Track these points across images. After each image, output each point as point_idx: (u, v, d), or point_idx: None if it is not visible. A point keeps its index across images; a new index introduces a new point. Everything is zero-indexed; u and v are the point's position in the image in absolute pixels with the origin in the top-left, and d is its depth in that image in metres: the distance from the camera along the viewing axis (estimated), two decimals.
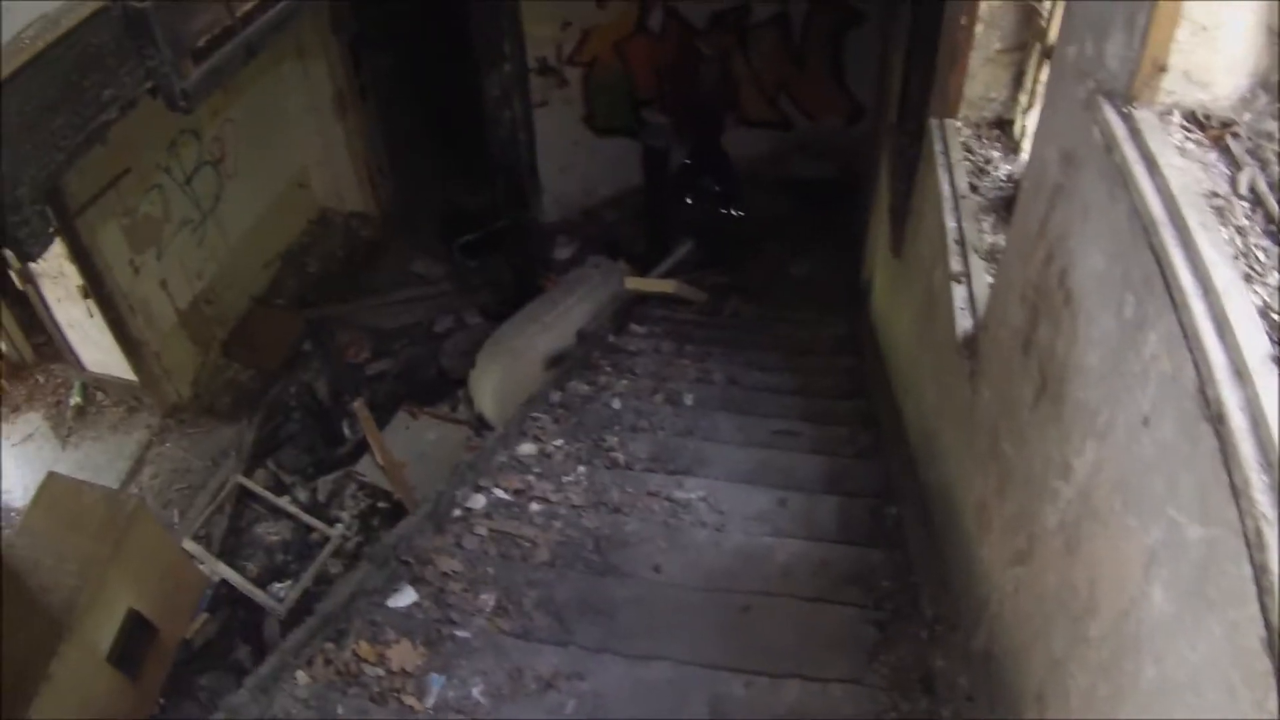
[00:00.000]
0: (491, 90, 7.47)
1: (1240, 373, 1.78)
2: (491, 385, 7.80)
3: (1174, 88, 2.45)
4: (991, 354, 3.66)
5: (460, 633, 3.99)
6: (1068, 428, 2.71)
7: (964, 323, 4.06)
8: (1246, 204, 2.23)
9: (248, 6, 3.68)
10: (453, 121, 10.62)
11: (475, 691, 3.75)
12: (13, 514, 7.80)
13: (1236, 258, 2.04)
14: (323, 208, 10.77)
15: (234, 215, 9.25)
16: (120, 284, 7.82)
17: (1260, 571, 1.59)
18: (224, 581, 7.10)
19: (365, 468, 7.77)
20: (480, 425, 7.91)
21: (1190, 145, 2.40)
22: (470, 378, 8.11)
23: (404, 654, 3.88)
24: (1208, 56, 2.40)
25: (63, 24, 2.64)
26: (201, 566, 7.07)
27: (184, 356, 8.72)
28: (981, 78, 4.94)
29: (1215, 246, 2.02)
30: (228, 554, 7.35)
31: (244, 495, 7.81)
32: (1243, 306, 1.88)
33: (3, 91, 2.46)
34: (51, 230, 2.78)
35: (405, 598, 4.24)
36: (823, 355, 7.84)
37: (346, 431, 8.27)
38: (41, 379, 9.05)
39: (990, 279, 4.04)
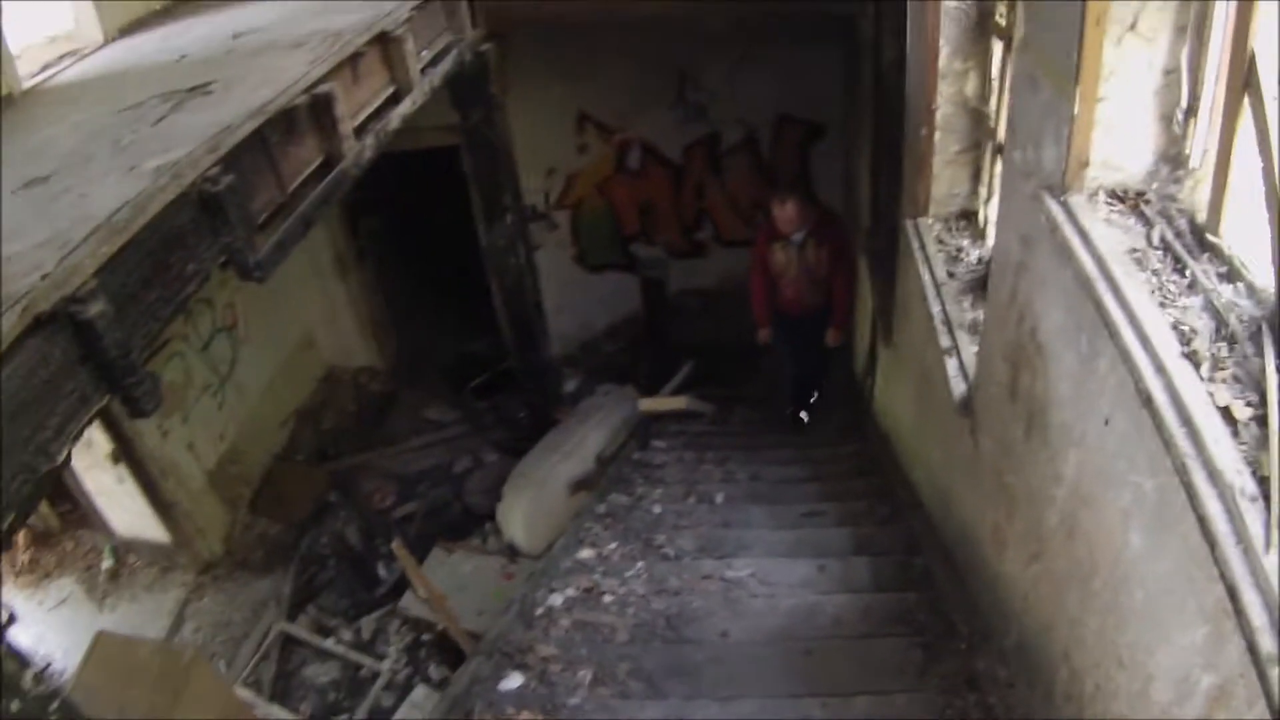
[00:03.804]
0: (496, 240, 8.25)
1: (1160, 368, 2.75)
2: (520, 515, 8.34)
3: (1096, 174, 3.47)
4: (985, 408, 4.63)
5: (571, 700, 4.85)
6: (1054, 446, 3.68)
7: (959, 388, 5.04)
8: (1159, 252, 3.23)
9: (295, 185, 4.27)
10: (445, 272, 11.64)
11: None
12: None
13: (1153, 292, 3.03)
14: (330, 365, 11.54)
15: (249, 378, 9.93)
16: (149, 449, 8.37)
17: (1190, 494, 2.52)
18: None
19: (408, 603, 8.21)
20: (513, 554, 8.44)
21: (1114, 216, 3.40)
22: (498, 510, 8.64)
23: None
24: (1118, 147, 3.41)
25: (150, 209, 3.06)
26: (256, 712, 7.36)
27: (214, 515, 9.25)
28: (945, 178, 5.92)
29: (1135, 287, 3.02)
30: (279, 698, 7.71)
31: (289, 641, 8.22)
32: (1159, 324, 2.86)
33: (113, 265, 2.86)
34: (160, 388, 3.11)
35: (513, 681, 5.08)
36: (830, 446, 8.79)
37: (382, 573, 8.80)
38: (70, 545, 9.45)
39: (975, 348, 5.02)
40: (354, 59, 4.90)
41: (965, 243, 5.83)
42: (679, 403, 9.48)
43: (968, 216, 6.01)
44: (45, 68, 5.46)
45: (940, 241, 5.88)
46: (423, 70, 5.84)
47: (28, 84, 5.10)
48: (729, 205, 10.68)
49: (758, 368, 10.42)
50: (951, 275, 5.61)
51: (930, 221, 6.04)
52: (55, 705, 2.17)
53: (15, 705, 2.03)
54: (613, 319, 11.42)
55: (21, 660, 2.08)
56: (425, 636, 8.09)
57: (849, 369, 9.43)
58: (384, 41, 5.28)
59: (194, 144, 3.52)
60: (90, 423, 2.82)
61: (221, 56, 5.03)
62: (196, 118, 3.91)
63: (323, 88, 4.36)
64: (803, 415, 9.70)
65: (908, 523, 6.35)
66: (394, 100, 5.45)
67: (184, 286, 3.33)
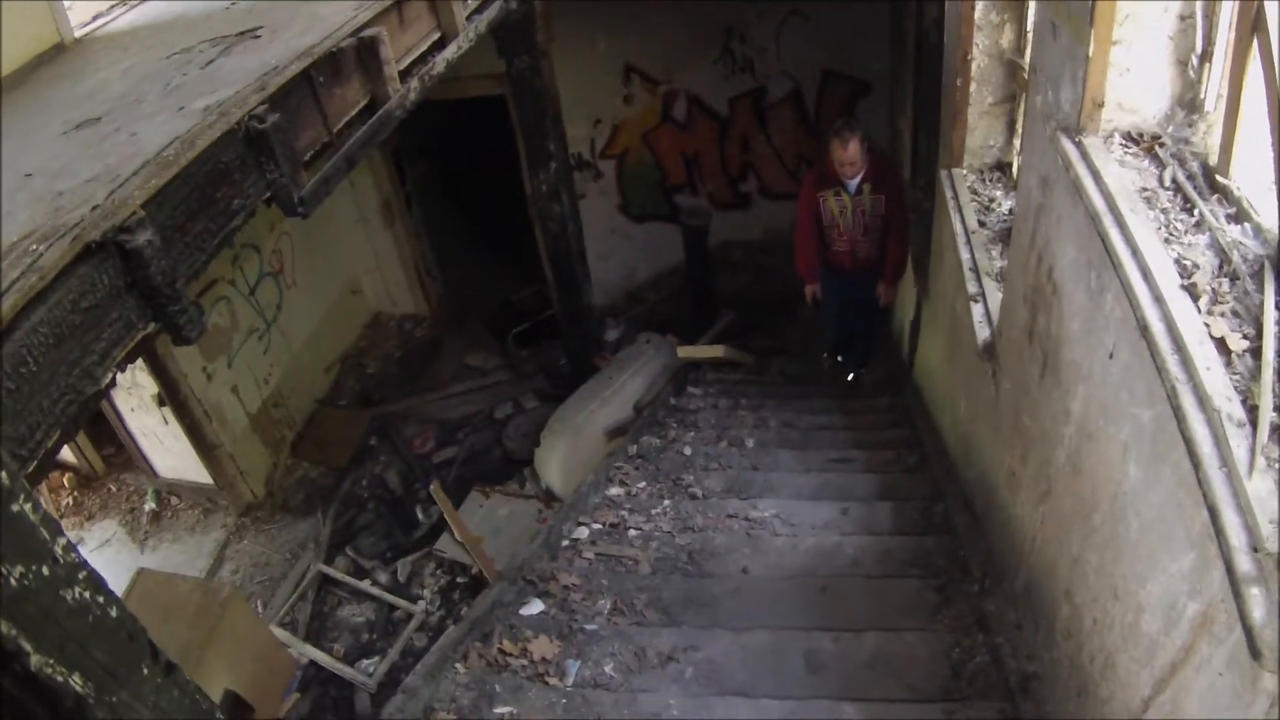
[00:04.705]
0: (540, 187, 8.32)
1: (1158, 298, 2.82)
2: (557, 460, 8.38)
3: (1111, 117, 3.54)
4: (1006, 352, 4.70)
5: (588, 626, 4.99)
6: (1065, 384, 3.74)
7: (983, 333, 5.12)
8: (1170, 192, 3.28)
9: (340, 125, 4.27)
10: (492, 220, 11.74)
11: (608, 669, 4.73)
12: None
13: (1159, 229, 3.08)
14: (375, 312, 11.76)
15: (295, 323, 10.13)
16: (195, 391, 8.52)
17: (1179, 418, 2.60)
18: (313, 663, 7.54)
19: (444, 545, 8.25)
20: (549, 498, 8.46)
21: (1128, 158, 3.47)
22: (536, 455, 8.72)
23: (542, 646, 4.87)
24: (1134, 90, 3.49)
25: (198, 144, 3.11)
26: (290, 651, 7.52)
27: (256, 458, 9.44)
28: (980, 129, 5.98)
29: (1141, 223, 3.07)
30: (314, 637, 7.82)
31: (326, 582, 8.35)
32: (1161, 258, 2.93)
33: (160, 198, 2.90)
34: (204, 317, 3.14)
35: (534, 607, 5.25)
36: (865, 398, 8.86)
37: (420, 516, 8.92)
38: (114, 488, 9.72)
39: (1000, 295, 5.09)
40: (400, 4, 4.92)
41: (998, 193, 5.87)
42: (717, 351, 9.61)
43: (1002, 168, 6.05)
44: (96, 16, 5.59)
45: (974, 192, 5.93)
46: (468, 17, 5.84)
47: (79, 32, 5.21)
48: (774, 158, 10.70)
49: (798, 320, 10.44)
50: (983, 224, 5.66)
51: (964, 172, 6.10)
52: (84, 574, 2.29)
53: (46, 570, 2.14)
54: (656, 269, 11.52)
55: (55, 528, 2.20)
56: (460, 579, 8.19)
57: (889, 322, 9.41)
58: None
59: (241, 85, 3.61)
60: (135, 352, 2.89)
61: (270, 2, 5.10)
62: (244, 60, 4.00)
63: (369, 31, 4.39)
64: (851, 376, 9.29)
65: (933, 470, 6.44)
66: (439, 45, 5.45)
67: (229, 220, 3.40)
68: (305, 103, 4.00)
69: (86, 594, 2.29)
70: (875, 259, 7.81)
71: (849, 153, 7.07)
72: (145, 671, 2.53)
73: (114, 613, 2.39)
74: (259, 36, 4.36)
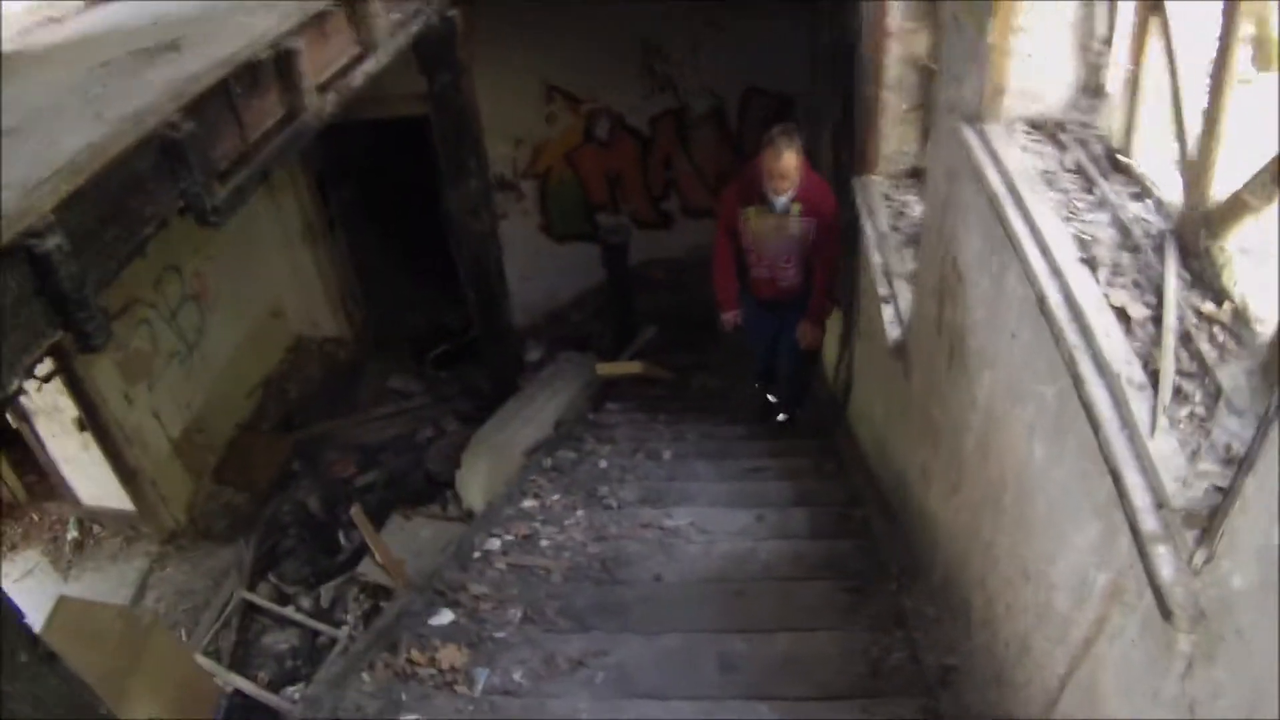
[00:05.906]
0: (461, 205, 8.25)
1: (1055, 271, 2.75)
2: (479, 481, 8.29)
3: (1014, 104, 3.49)
4: (917, 347, 4.65)
5: (498, 634, 4.84)
6: (971, 371, 3.67)
7: (894, 332, 5.07)
8: (1072, 174, 3.23)
9: (256, 136, 4.30)
10: (419, 244, 11.61)
11: (517, 676, 4.57)
12: None
13: (1060, 208, 3.03)
14: (298, 335, 11.51)
15: (216, 346, 9.89)
16: (115, 415, 8.31)
17: (1077, 384, 2.51)
18: (238, 691, 7.37)
19: (366, 568, 8.14)
20: (471, 520, 8.22)
21: (1031, 144, 3.42)
22: (457, 477, 8.62)
23: (451, 655, 4.69)
24: (1037, 77, 3.45)
25: (110, 151, 3.11)
26: (214, 679, 7.34)
27: (179, 484, 9.19)
28: (894, 136, 5.94)
29: (1041, 202, 3.01)
30: (238, 665, 7.65)
31: (249, 609, 8.20)
32: (1060, 234, 2.86)
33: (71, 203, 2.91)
34: (110, 326, 3.18)
35: (444, 617, 5.07)
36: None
37: (343, 541, 8.80)
38: (36, 517, 9.40)
39: (911, 295, 5.04)
40: (320, 17, 4.91)
41: (912, 199, 5.84)
42: (635, 367, 9.56)
43: (916, 174, 6.00)
44: (22, 32, 5.49)
45: (887, 198, 5.91)
46: (390, 32, 5.82)
47: (6, 47, 5.12)
48: (696, 176, 10.74)
49: (719, 337, 10.26)
50: (895, 229, 5.64)
51: (878, 179, 6.05)
52: None
53: None
54: (578, 289, 11.44)
55: None
56: (383, 603, 7.90)
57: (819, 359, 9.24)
58: (351, 2, 5.28)
59: (159, 94, 3.58)
60: (53, 369, 2.95)
61: (196, 16, 5.01)
62: (165, 71, 3.94)
63: (287, 43, 4.41)
64: (781, 415, 8.17)
65: (851, 477, 6.40)
66: (360, 59, 5.44)
67: (142, 228, 3.40)
68: (222, 113, 4.04)
69: None
70: (799, 290, 6.77)
71: (782, 164, 6.06)
72: (23, 659, 2.59)
73: None
74: (180, 49, 4.28)
